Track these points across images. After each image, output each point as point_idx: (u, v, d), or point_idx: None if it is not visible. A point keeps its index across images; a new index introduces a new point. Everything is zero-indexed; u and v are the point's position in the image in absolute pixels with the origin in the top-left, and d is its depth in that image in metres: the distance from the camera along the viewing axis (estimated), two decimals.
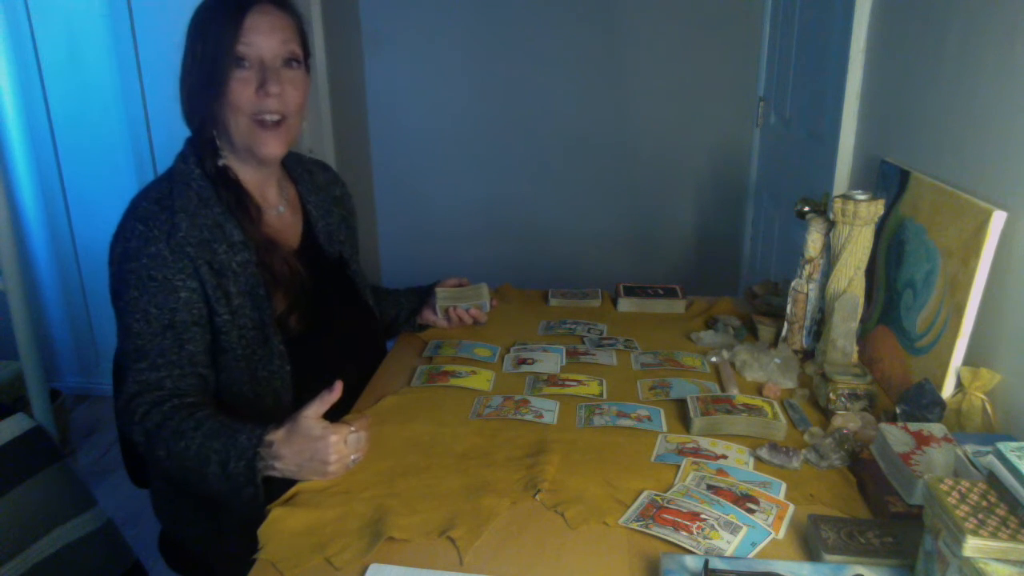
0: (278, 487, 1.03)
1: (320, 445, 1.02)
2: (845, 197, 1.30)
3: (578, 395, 1.29)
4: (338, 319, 1.38)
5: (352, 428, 1.06)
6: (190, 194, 1.20)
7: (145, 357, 1.14)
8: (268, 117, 1.20)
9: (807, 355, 1.43)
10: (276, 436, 1.04)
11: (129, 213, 1.19)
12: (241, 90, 1.17)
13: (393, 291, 1.65)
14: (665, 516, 0.94)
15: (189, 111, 1.23)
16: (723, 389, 1.30)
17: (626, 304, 1.72)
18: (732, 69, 2.90)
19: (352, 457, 1.06)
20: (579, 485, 1.02)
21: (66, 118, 2.71)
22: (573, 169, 3.14)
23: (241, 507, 1.06)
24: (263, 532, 0.94)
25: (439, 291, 1.57)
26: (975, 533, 0.69)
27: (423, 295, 1.60)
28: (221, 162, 1.24)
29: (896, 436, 1.00)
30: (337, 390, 1.06)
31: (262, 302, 1.22)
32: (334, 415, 1.23)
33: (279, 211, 1.33)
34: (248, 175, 1.28)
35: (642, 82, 2.99)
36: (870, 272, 1.36)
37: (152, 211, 1.18)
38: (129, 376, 1.15)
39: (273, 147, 1.22)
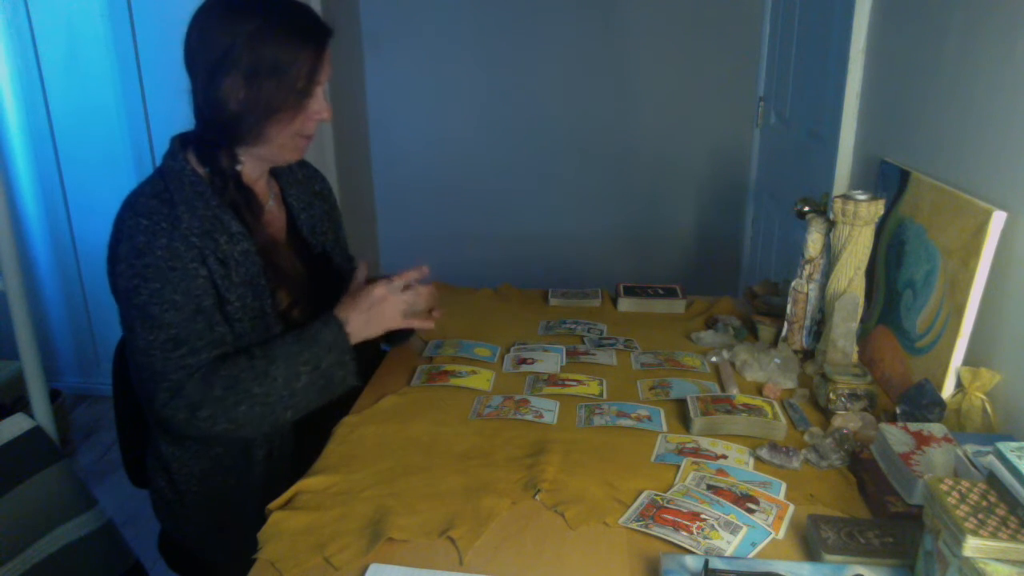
0: (279, 488, 1.03)
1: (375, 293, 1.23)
2: (845, 197, 1.30)
3: (578, 395, 1.29)
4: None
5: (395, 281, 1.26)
6: (185, 188, 1.20)
7: (184, 343, 1.14)
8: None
9: (807, 355, 1.43)
10: (341, 310, 1.22)
11: (128, 210, 1.18)
12: (311, 118, 1.24)
13: None
14: (665, 516, 0.94)
15: (232, 123, 1.19)
16: (723, 389, 1.30)
17: (626, 304, 1.72)
18: (732, 69, 2.90)
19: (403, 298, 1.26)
20: (579, 485, 1.02)
21: (66, 118, 2.71)
22: (573, 169, 3.14)
23: (333, 396, 1.20)
24: (263, 534, 0.94)
25: None
26: (975, 533, 0.69)
27: None
28: (239, 166, 1.24)
29: (896, 436, 1.00)
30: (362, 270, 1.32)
31: (262, 291, 1.23)
32: (334, 417, 1.23)
33: (268, 205, 1.34)
34: (249, 172, 1.28)
35: (642, 82, 2.99)
36: (870, 272, 1.36)
37: (152, 205, 1.17)
38: (168, 367, 1.13)
39: (301, 154, 1.30)
